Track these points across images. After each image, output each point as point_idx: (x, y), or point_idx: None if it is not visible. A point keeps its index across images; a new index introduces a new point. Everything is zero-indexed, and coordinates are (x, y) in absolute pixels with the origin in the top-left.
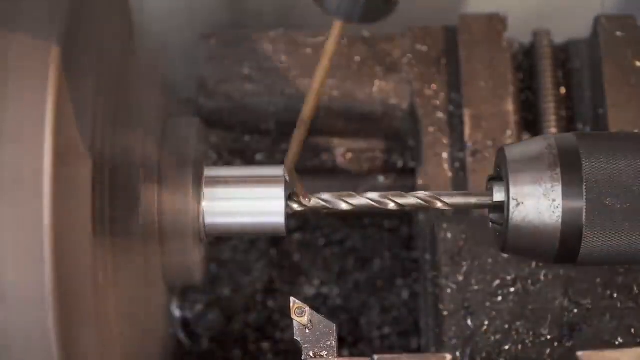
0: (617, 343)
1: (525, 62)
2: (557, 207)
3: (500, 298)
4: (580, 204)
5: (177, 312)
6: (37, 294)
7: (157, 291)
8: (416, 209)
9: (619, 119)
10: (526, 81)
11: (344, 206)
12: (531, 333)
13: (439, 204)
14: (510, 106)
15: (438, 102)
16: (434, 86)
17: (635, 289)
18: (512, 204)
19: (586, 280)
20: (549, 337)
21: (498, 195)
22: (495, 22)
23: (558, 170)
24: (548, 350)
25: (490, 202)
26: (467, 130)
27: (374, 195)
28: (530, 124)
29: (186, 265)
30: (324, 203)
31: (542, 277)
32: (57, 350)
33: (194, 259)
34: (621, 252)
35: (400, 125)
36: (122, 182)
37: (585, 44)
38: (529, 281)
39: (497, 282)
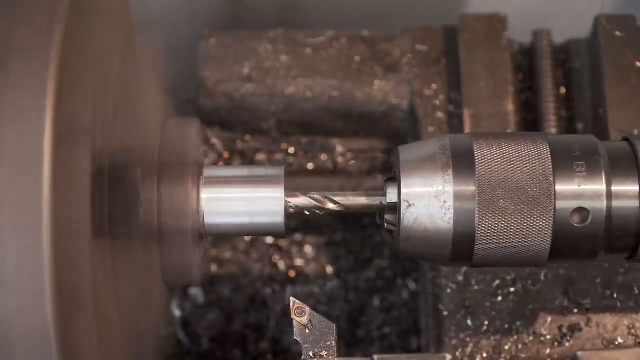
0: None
1: (525, 62)
2: (449, 209)
3: (500, 298)
4: (472, 206)
5: (177, 312)
6: (36, 294)
7: (156, 291)
8: (309, 209)
9: (619, 119)
10: (526, 81)
11: None
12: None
13: (331, 205)
14: (510, 106)
15: (438, 102)
16: (434, 86)
17: (635, 289)
18: (404, 205)
19: (586, 280)
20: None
21: (391, 196)
22: (495, 22)
23: (450, 171)
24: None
25: (384, 203)
26: (467, 130)
27: None
28: (530, 124)
29: (185, 265)
30: None
31: (542, 277)
32: (57, 350)
33: (193, 259)
34: (516, 253)
35: (400, 125)
36: (122, 183)
37: (585, 44)
38: (529, 281)
39: (497, 282)
